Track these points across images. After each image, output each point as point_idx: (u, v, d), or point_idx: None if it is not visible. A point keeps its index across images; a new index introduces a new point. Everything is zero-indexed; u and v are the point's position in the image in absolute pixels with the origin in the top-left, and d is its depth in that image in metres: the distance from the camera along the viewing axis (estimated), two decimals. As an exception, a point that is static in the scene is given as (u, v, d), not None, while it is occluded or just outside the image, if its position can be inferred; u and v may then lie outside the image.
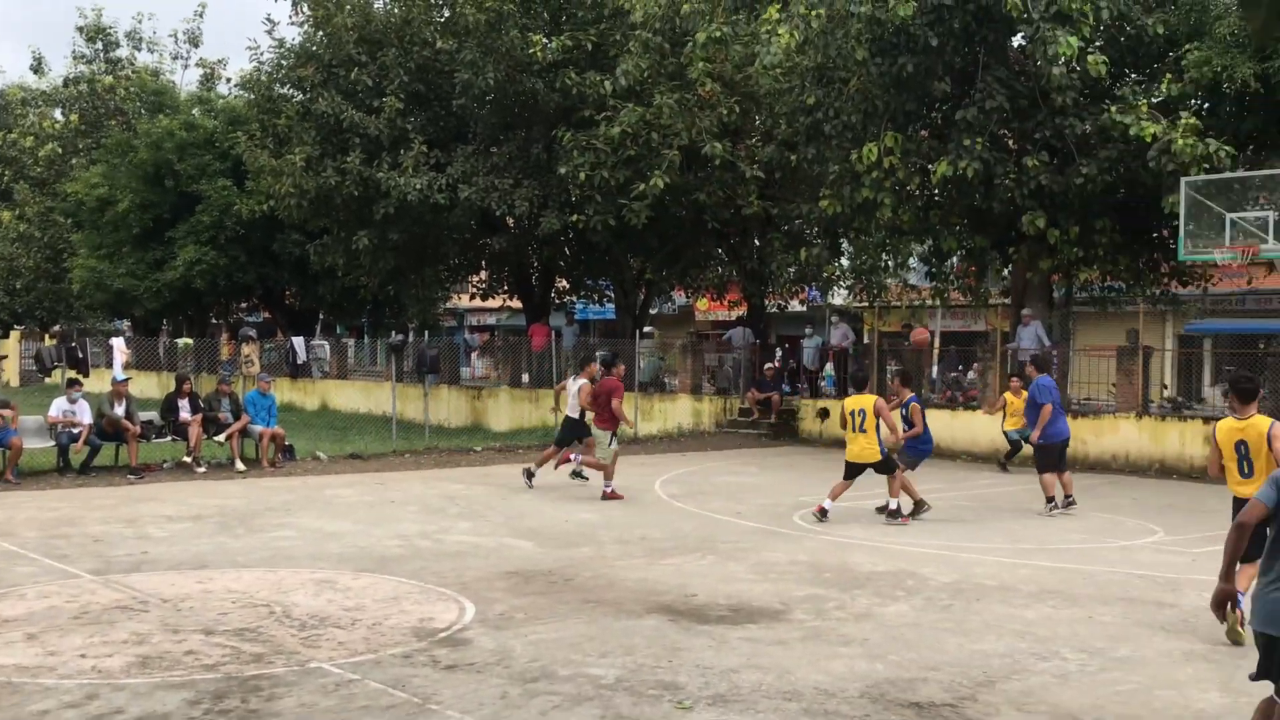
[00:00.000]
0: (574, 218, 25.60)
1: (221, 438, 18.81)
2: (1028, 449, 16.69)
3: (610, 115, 24.25)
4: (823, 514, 13.93)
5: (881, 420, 14.04)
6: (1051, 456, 15.04)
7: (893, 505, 14.18)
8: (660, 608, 9.29)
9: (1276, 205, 17.55)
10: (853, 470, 14.24)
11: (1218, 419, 20.07)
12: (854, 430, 14.11)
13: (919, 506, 14.39)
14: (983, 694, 7.14)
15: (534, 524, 13.54)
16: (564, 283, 33.76)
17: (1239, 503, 8.90)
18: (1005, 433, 19.81)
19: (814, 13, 20.59)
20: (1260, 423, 8.92)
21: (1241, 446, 8.96)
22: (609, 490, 15.76)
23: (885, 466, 14.18)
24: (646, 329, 33.65)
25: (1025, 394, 16.44)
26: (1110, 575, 10.98)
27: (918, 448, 15.27)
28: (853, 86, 21.32)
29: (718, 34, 22.94)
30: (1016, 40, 21.48)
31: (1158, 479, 19.38)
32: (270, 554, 11.39)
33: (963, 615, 9.23)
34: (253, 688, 6.97)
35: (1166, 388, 26.35)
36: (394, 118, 27.11)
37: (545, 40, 25.91)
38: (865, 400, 14.20)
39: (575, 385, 16.52)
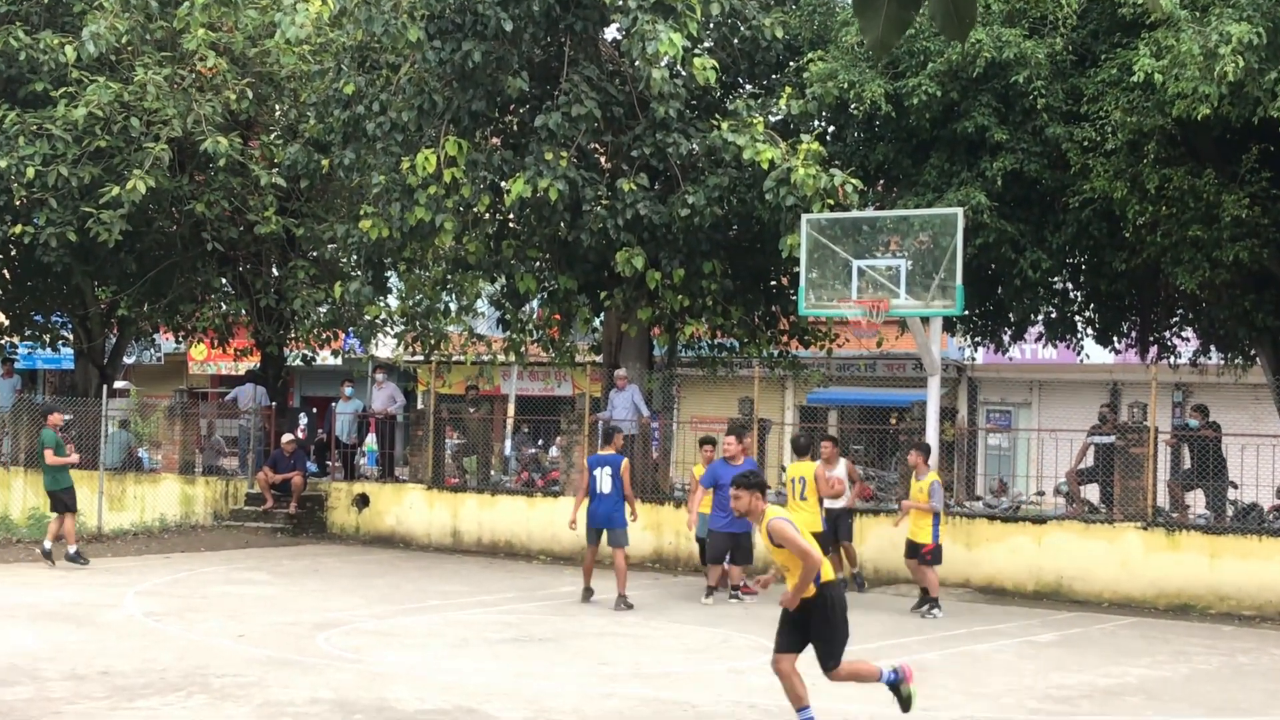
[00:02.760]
0: (17, 229, 24.54)
1: None
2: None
3: (73, 91, 23.44)
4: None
5: (819, 486, 17.22)
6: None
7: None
8: (129, 769, 9.02)
9: (909, 252, 19.03)
10: None
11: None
12: (795, 499, 17.05)
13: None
14: None
15: (-54, 658, 12.84)
16: (1, 318, 32.11)
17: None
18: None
19: (355, -24, 20.85)
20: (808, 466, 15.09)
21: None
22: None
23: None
24: (120, 384, 32.54)
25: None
26: (716, 706, 11.56)
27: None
28: (404, 75, 21.63)
29: (225, -8, 22.74)
30: (610, 33, 22.57)
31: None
32: None
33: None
34: None
35: (785, 470, 28.12)
36: None
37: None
38: (805, 468, 17.38)
39: (840, 469, 18.49)
